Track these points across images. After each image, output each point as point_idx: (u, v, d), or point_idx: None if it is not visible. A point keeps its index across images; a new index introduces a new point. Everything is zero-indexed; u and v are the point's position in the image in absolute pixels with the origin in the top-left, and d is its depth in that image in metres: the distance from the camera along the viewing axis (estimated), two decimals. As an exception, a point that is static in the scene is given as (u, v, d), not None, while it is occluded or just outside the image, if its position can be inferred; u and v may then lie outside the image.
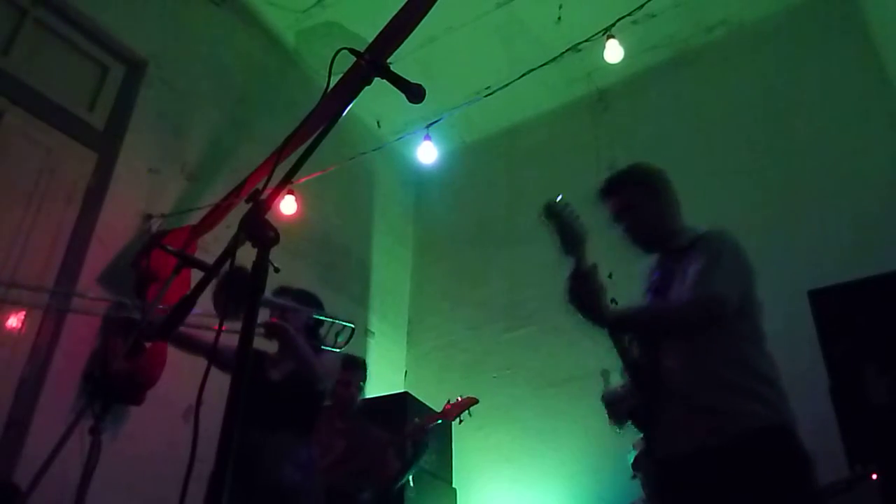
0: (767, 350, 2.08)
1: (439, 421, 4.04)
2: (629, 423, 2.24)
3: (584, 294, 2.12)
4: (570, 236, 2.25)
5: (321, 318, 3.38)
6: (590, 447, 4.87)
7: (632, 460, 4.17)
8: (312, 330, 3.36)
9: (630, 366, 2.24)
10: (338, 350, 3.43)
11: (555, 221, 2.27)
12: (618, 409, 2.27)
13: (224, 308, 1.88)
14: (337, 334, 3.43)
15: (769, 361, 2.05)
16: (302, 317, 3.28)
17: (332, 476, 3.62)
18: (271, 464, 2.93)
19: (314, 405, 3.23)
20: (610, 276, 4.90)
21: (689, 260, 2.14)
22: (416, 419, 4.14)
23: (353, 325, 3.44)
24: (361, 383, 4.06)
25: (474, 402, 4.08)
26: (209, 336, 2.93)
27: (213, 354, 1.89)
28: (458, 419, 4.04)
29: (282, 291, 3.35)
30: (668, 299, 2.17)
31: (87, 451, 2.94)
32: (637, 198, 2.36)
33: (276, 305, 3.15)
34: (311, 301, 3.39)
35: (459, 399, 4.08)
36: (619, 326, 2.20)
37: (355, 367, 4.02)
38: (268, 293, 3.23)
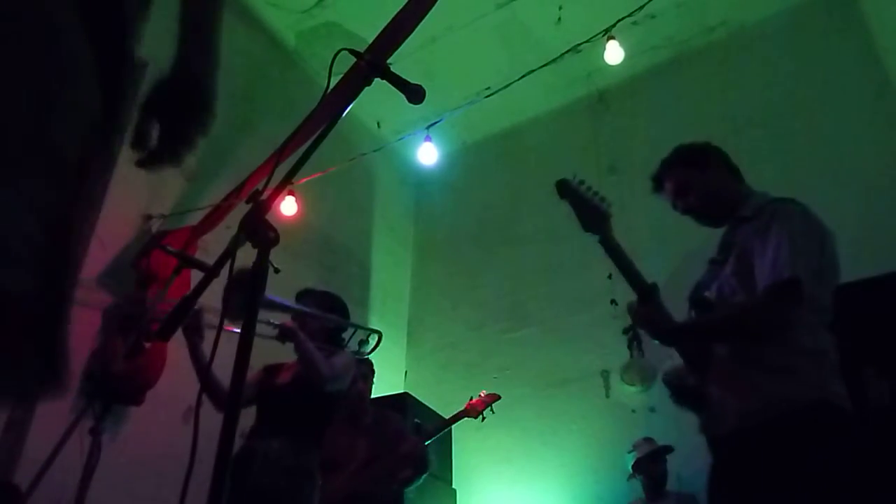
0: (823, 323, 2.00)
1: (466, 417, 4.07)
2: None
3: (656, 318, 2.05)
4: (589, 213, 2.21)
5: (346, 325, 3.36)
6: (590, 448, 4.87)
7: (632, 462, 4.18)
8: (332, 334, 3.31)
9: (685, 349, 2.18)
10: (366, 355, 3.42)
11: (570, 199, 2.23)
12: (679, 387, 2.21)
13: (231, 308, 1.88)
14: (361, 341, 3.41)
15: (816, 333, 1.96)
16: (321, 320, 3.25)
17: (356, 482, 3.60)
18: (259, 467, 2.91)
19: (321, 409, 3.15)
20: (610, 276, 4.94)
21: (758, 234, 2.05)
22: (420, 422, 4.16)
23: (379, 332, 3.42)
24: (370, 375, 4.04)
25: (497, 398, 4.11)
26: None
27: (214, 350, 1.89)
28: (481, 416, 4.06)
29: (306, 294, 3.32)
30: (744, 286, 2.05)
31: (87, 451, 2.95)
32: (685, 175, 2.32)
33: (293, 310, 3.13)
34: (334, 305, 3.34)
35: (483, 395, 4.10)
36: (691, 341, 2.13)
37: (363, 361, 3.98)
38: (290, 294, 3.23)
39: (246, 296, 1.19)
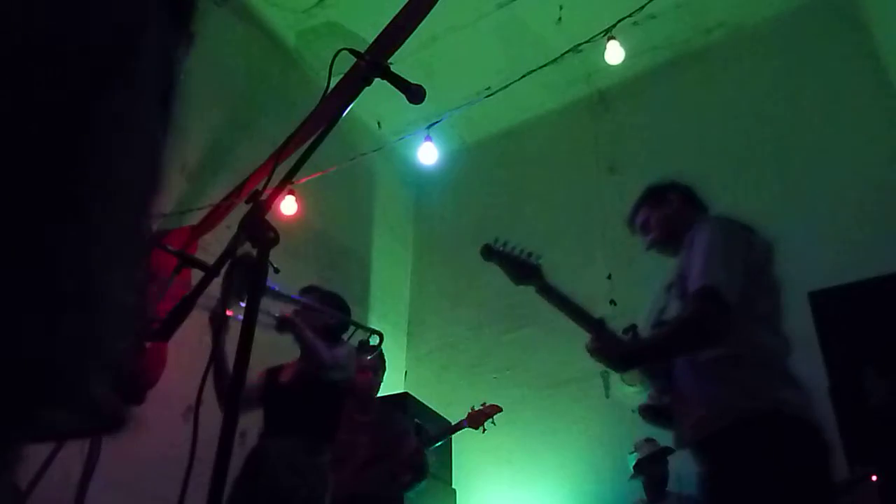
0: (769, 330, 2.07)
1: (465, 428, 4.03)
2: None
3: (607, 348, 2.20)
4: (518, 269, 2.39)
5: (348, 322, 3.35)
6: (590, 448, 4.87)
7: (633, 462, 4.18)
8: (334, 332, 3.31)
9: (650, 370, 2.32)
10: (370, 356, 3.41)
11: (496, 261, 2.41)
12: (656, 408, 2.30)
13: (231, 294, 1.88)
14: (361, 341, 3.40)
15: (761, 340, 2.03)
16: (322, 317, 3.25)
17: (357, 482, 3.59)
18: (271, 468, 2.93)
19: (328, 404, 3.16)
20: (609, 276, 4.95)
21: (686, 255, 2.16)
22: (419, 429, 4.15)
23: (380, 332, 3.41)
24: (380, 369, 3.97)
25: (498, 410, 4.04)
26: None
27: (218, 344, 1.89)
28: (482, 428, 4.01)
29: (309, 290, 3.33)
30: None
31: (87, 451, 2.95)
32: (647, 214, 2.49)
33: (294, 302, 3.13)
34: (337, 305, 3.35)
35: (483, 406, 4.05)
36: (636, 365, 2.27)
37: (370, 351, 3.96)
38: (295, 291, 3.23)
39: (247, 286, 1.19)
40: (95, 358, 0.58)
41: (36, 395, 0.53)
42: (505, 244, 2.42)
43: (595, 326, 2.24)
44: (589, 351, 2.23)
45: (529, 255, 2.42)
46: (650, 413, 2.31)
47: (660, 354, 2.20)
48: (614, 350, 2.18)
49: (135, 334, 0.67)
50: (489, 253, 2.42)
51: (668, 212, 2.42)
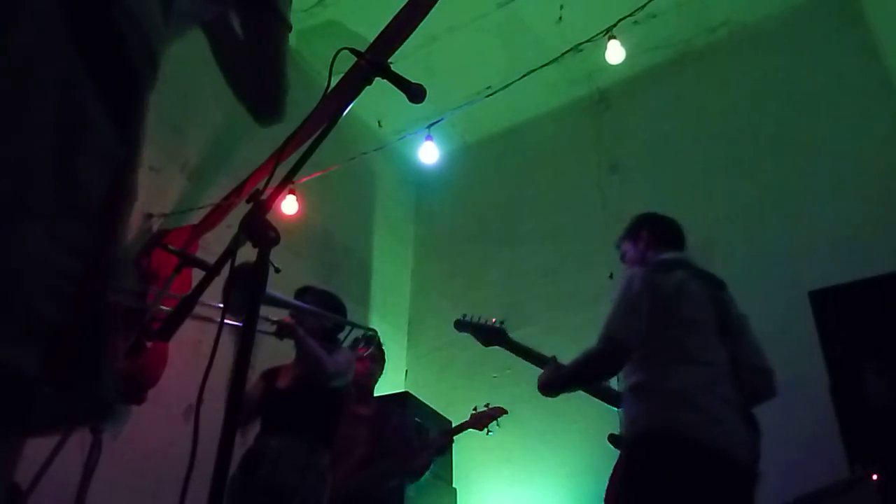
0: (678, 358, 2.36)
1: (471, 429, 4.01)
2: None
3: (541, 384, 2.69)
4: (486, 334, 3.05)
5: (344, 323, 3.35)
6: (590, 447, 4.86)
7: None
8: (330, 333, 3.32)
9: (612, 400, 2.81)
10: (363, 356, 3.42)
11: (468, 331, 3.06)
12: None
13: (231, 301, 1.89)
14: (356, 340, 3.40)
15: (672, 371, 2.33)
16: (320, 319, 3.25)
17: (356, 479, 3.59)
18: (271, 466, 2.92)
19: (327, 407, 3.16)
20: (611, 276, 4.94)
21: None
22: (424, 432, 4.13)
23: (375, 331, 3.42)
24: (379, 359, 3.98)
25: (503, 412, 4.02)
26: None
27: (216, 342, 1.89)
28: (486, 430, 4.00)
29: (305, 291, 3.33)
30: None
31: (87, 450, 2.95)
32: (625, 247, 2.85)
33: (293, 306, 3.13)
34: (333, 304, 3.35)
35: (487, 408, 4.03)
36: (565, 390, 2.73)
37: (369, 342, 3.95)
38: (290, 293, 3.24)
39: (246, 292, 1.19)
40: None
41: None
42: (472, 317, 3.09)
43: (545, 362, 2.80)
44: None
45: (493, 321, 3.05)
46: (613, 440, 2.86)
47: (571, 384, 2.71)
48: (541, 380, 2.67)
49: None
50: (461, 325, 3.07)
51: (639, 250, 2.77)
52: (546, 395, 2.71)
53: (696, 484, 2.11)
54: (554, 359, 2.76)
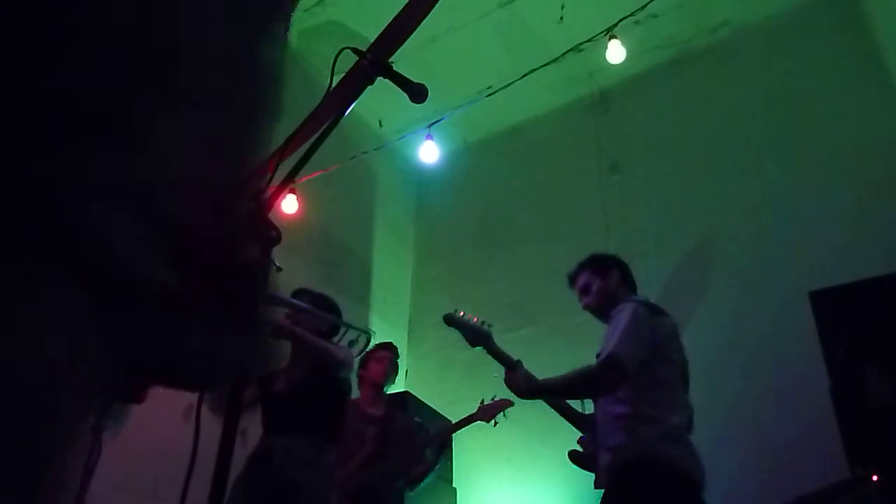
0: (665, 396, 2.56)
1: (478, 421, 4.02)
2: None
3: (517, 381, 2.74)
4: (473, 334, 3.02)
5: (339, 324, 3.37)
6: (590, 447, 4.87)
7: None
8: (325, 335, 3.32)
9: (574, 420, 2.97)
10: (356, 356, 3.44)
11: (456, 326, 3.03)
12: (584, 456, 2.87)
13: None
14: (350, 342, 3.42)
15: (657, 403, 2.52)
16: (315, 320, 3.26)
17: (363, 476, 3.60)
18: (280, 463, 2.94)
19: (331, 405, 3.18)
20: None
21: (608, 331, 2.64)
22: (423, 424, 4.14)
23: (370, 332, 3.43)
24: (394, 363, 4.00)
25: (510, 404, 4.02)
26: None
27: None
28: (493, 421, 4.01)
29: (300, 293, 3.34)
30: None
31: (87, 448, 2.95)
32: (590, 279, 2.93)
33: (289, 305, 3.14)
34: (328, 307, 3.36)
35: (494, 400, 4.04)
36: (548, 397, 2.88)
37: (387, 347, 4.00)
38: (289, 292, 3.24)
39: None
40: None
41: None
42: (464, 314, 3.07)
43: (512, 364, 2.83)
44: (505, 382, 2.81)
45: (482, 323, 3.04)
46: (576, 458, 2.91)
47: (562, 393, 2.85)
48: (523, 383, 2.72)
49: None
50: (451, 320, 3.05)
51: (610, 285, 2.86)
52: (524, 399, 2.82)
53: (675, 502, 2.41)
54: (520, 362, 2.84)
